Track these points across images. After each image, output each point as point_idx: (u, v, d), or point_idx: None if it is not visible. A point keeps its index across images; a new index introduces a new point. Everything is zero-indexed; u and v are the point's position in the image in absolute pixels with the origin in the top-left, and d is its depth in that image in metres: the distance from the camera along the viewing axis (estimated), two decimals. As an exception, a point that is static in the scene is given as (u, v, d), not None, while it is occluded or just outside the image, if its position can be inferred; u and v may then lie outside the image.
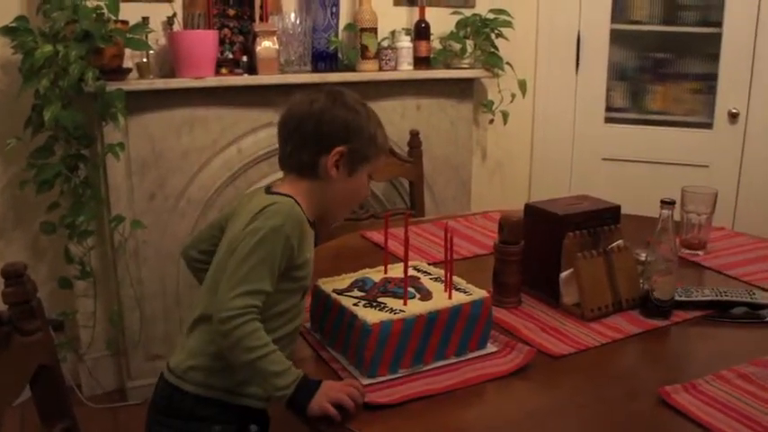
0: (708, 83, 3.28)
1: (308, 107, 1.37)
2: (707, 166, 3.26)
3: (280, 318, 1.31)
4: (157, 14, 2.60)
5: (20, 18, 2.32)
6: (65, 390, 1.33)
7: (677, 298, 1.54)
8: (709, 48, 3.22)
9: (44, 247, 2.74)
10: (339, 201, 1.43)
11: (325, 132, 1.35)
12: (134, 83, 2.49)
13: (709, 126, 3.28)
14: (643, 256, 1.59)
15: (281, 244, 1.25)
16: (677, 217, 1.81)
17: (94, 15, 2.33)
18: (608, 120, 3.42)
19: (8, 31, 2.30)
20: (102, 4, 2.34)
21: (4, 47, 2.42)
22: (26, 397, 1.27)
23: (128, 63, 2.52)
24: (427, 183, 3.07)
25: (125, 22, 2.43)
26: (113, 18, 2.35)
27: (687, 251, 1.93)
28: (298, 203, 1.33)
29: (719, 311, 1.55)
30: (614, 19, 3.32)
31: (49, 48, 2.27)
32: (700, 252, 1.93)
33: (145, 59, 2.55)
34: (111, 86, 2.36)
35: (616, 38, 3.34)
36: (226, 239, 1.36)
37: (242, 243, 1.24)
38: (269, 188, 1.41)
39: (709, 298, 1.56)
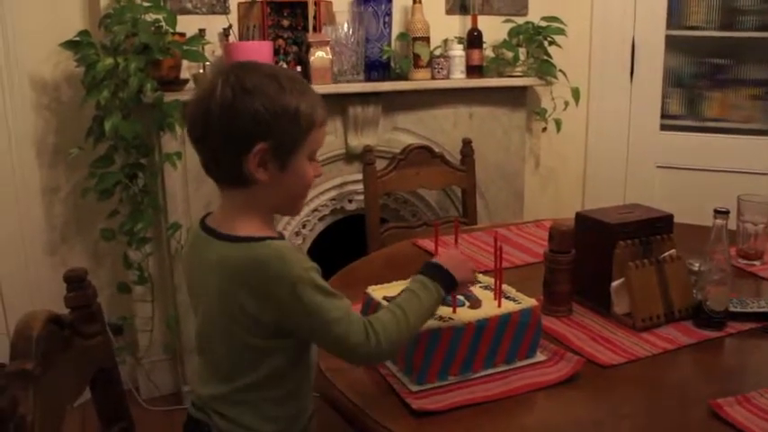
0: (767, 89, 3.21)
1: (209, 102, 1.16)
2: (766, 174, 3.18)
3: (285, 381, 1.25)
4: (214, 26, 2.65)
5: (82, 32, 2.39)
6: (122, 392, 1.38)
7: (732, 309, 1.51)
8: (769, 53, 3.16)
9: (104, 253, 2.82)
10: (282, 200, 1.24)
11: (235, 130, 1.15)
12: (191, 93, 2.54)
13: (768, 133, 3.21)
14: (696, 266, 1.57)
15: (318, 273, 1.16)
16: (733, 226, 1.78)
17: (153, 28, 2.40)
18: (663, 127, 3.37)
19: (71, 44, 2.38)
20: (160, 17, 2.41)
21: (67, 60, 2.51)
22: (86, 398, 1.31)
23: (185, 74, 2.59)
24: (480, 191, 3.06)
25: (182, 35, 2.49)
26: (171, 31, 2.42)
27: (743, 261, 1.89)
28: (274, 237, 1.19)
29: (776, 323, 1.52)
30: (669, 25, 3.27)
31: (109, 60, 2.34)
32: (756, 262, 1.89)
33: (201, 70, 2.61)
34: (169, 97, 2.41)
35: (671, 44, 3.29)
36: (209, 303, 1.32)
37: (296, 304, 1.12)
38: (213, 230, 1.23)
39: (765, 309, 1.53)
